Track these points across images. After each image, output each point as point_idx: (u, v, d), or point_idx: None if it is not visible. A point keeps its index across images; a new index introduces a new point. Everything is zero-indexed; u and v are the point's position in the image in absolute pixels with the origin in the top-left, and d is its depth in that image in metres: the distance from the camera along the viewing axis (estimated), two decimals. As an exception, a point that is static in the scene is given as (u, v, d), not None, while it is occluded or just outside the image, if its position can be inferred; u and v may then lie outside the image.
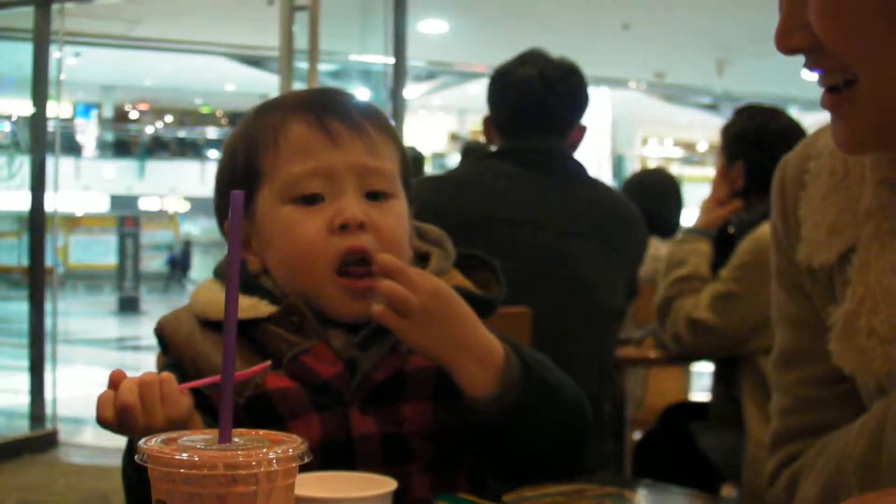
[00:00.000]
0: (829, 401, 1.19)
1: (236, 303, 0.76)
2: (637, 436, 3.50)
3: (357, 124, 1.28)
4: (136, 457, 0.74)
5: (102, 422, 1.05)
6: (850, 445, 1.09)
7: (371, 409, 1.23)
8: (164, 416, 1.04)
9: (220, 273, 1.34)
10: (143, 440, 0.75)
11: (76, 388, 7.50)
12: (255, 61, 16.10)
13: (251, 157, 1.29)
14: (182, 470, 0.72)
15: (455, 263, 1.38)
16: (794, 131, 3.04)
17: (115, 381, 1.05)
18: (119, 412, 1.03)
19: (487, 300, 1.34)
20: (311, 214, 1.26)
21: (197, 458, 0.72)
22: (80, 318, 19.63)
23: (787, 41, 0.99)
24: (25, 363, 6.41)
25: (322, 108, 1.29)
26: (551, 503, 1.10)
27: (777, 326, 1.26)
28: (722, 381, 3.05)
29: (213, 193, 1.37)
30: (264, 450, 0.73)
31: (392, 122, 1.38)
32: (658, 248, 3.72)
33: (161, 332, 1.31)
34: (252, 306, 1.24)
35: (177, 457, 0.72)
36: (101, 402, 1.04)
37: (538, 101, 2.55)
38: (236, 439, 0.76)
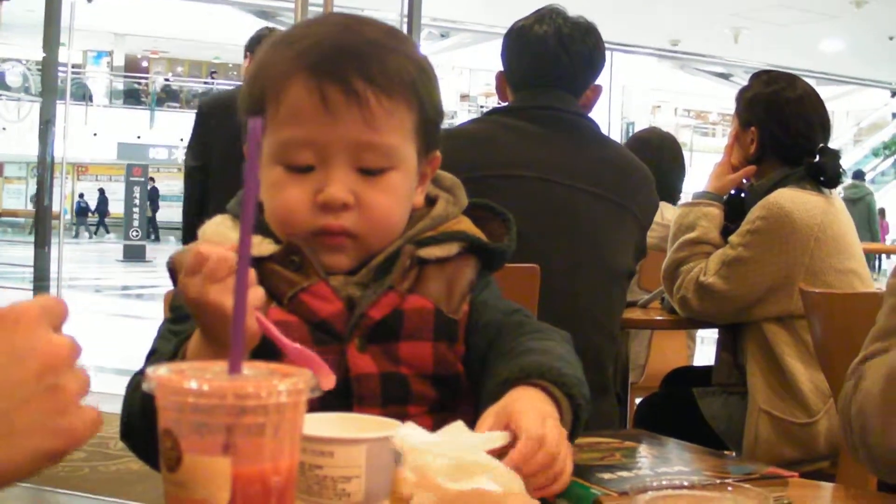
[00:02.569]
0: None
1: (250, 231, 0.75)
2: (638, 400, 3.51)
3: (358, 94, 1.23)
4: (143, 385, 0.73)
5: (176, 265, 1.19)
6: None
7: (370, 348, 1.24)
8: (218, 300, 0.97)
9: (232, 210, 1.35)
10: (150, 368, 0.74)
11: (79, 335, 7.52)
12: (268, 14, 16.04)
13: (259, 102, 1.28)
14: (191, 399, 0.71)
15: (467, 214, 1.38)
16: (810, 100, 3.01)
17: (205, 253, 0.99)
18: (195, 256, 0.98)
19: (498, 250, 1.35)
20: (299, 181, 1.25)
21: (206, 388, 0.71)
22: (85, 264, 19.71)
23: None
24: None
25: (326, 71, 1.23)
26: None
27: None
28: (726, 347, 3.04)
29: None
30: (274, 382, 0.72)
31: (416, 70, 1.29)
32: (663, 212, 3.69)
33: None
34: (256, 244, 1.24)
35: (186, 385, 0.71)
36: (188, 251, 1.06)
37: (553, 59, 2.53)
38: (246, 371, 0.76)
